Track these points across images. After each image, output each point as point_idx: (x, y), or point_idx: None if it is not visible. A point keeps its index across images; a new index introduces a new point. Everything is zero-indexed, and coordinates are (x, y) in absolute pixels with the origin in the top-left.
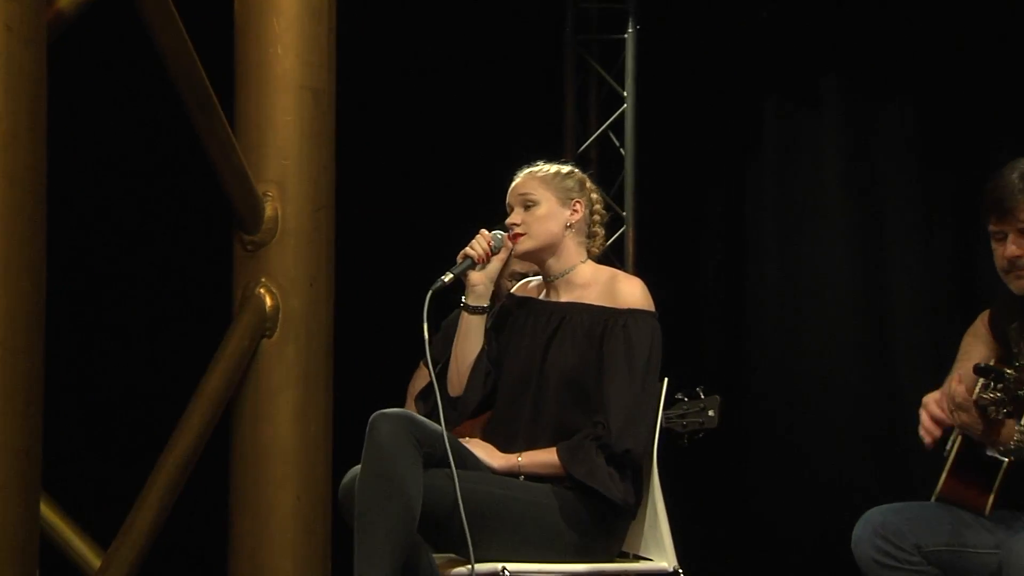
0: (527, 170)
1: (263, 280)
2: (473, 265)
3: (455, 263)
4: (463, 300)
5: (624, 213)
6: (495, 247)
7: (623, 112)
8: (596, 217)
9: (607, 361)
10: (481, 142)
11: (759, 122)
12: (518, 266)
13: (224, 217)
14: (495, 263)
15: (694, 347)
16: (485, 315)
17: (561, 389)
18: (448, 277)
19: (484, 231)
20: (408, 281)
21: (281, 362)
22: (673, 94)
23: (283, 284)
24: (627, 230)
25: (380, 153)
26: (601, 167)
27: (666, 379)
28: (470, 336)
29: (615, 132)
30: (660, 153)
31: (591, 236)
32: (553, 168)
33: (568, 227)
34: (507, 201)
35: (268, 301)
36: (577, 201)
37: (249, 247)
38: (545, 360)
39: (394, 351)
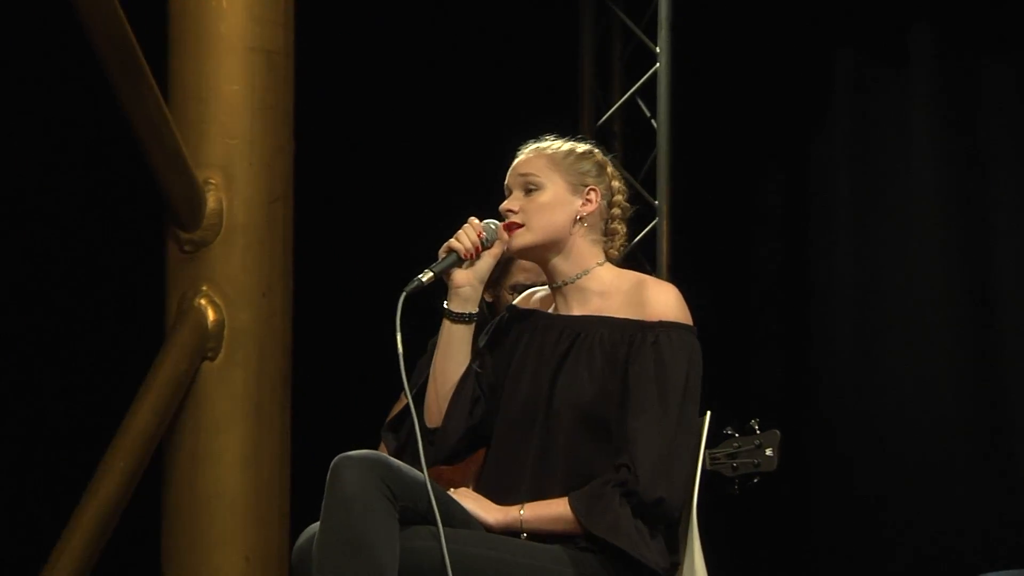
0: (533, 145)
1: (204, 289)
2: (459, 261)
3: (437, 259)
4: (444, 304)
5: (656, 202)
6: (487, 240)
7: (655, 74)
8: (616, 211)
9: (633, 388)
10: (474, 113)
11: (829, 86)
12: (522, 275)
13: (155, 211)
14: (486, 259)
15: (745, 370)
16: (471, 325)
17: (575, 424)
18: (427, 276)
19: (474, 220)
20: (385, 288)
21: (226, 391)
22: (718, 50)
23: (229, 293)
24: (660, 224)
25: (350, 130)
26: (627, 144)
27: (708, 412)
28: (452, 350)
29: (645, 99)
30: (702, 126)
31: (609, 234)
32: (566, 146)
33: (578, 220)
34: (506, 182)
35: (210, 315)
36: (592, 189)
37: (187, 248)
38: (555, 387)
39: (367, 377)
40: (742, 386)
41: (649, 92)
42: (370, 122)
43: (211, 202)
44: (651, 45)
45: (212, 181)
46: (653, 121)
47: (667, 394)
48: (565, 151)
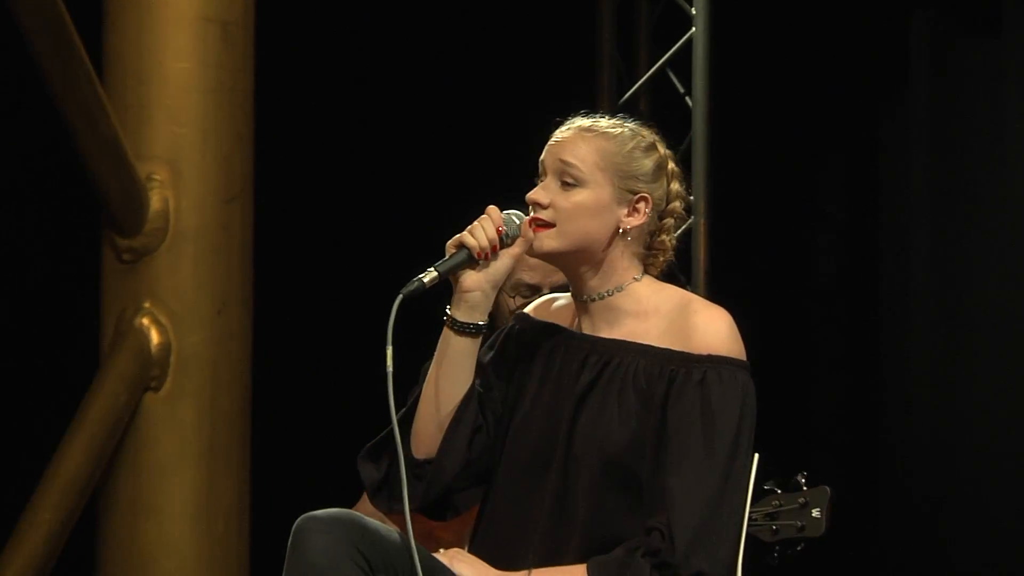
0: (585, 123)
1: (146, 305)
2: (471, 261)
3: (443, 256)
4: (447, 311)
5: (691, 197)
6: (508, 236)
7: (689, 40)
8: (668, 222)
9: (674, 435)
10: (477, 89)
11: (903, 56)
12: (527, 274)
13: (88, 212)
14: (504, 260)
15: (798, 405)
16: (478, 338)
17: (599, 474)
18: (430, 276)
19: (493, 209)
20: (370, 303)
21: (173, 427)
22: (766, 12)
23: (177, 311)
24: (696, 225)
25: (326, 111)
26: (656, 125)
27: (756, 455)
28: (453, 367)
29: (677, 72)
30: (747, 106)
31: (653, 249)
32: (625, 131)
33: (619, 233)
34: (541, 158)
35: (154, 337)
36: (643, 197)
37: (126, 256)
38: (576, 426)
39: (344, 412)
40: (794, 425)
41: (682, 63)
42: (352, 101)
43: (155, 202)
44: (685, 6)
45: (156, 176)
46: (687, 99)
47: (714, 445)
48: (620, 144)
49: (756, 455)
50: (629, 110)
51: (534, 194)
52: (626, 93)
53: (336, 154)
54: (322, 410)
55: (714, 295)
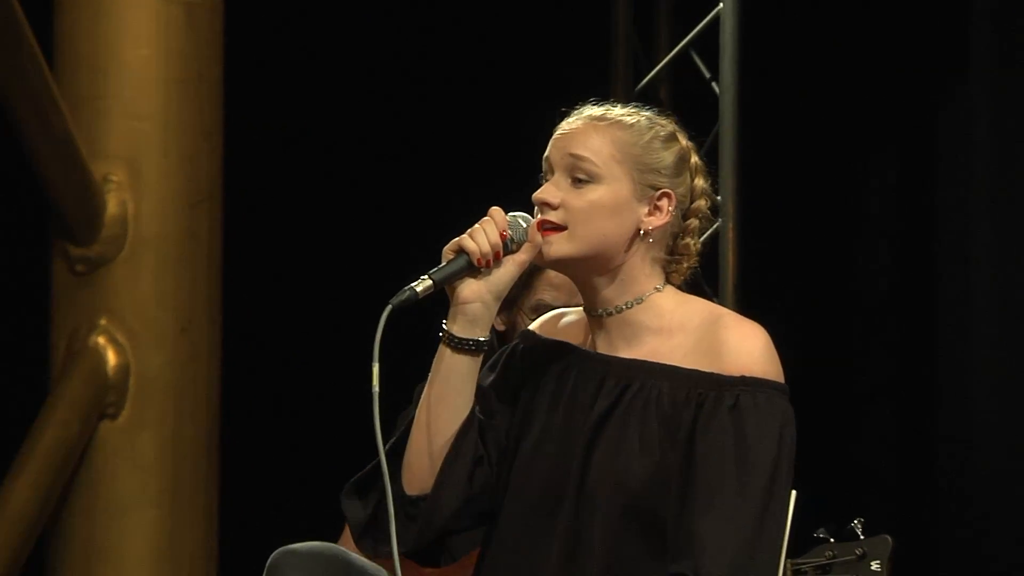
0: (591, 111)
1: (102, 323)
2: (470, 268)
3: (439, 263)
4: (443, 325)
5: (718, 199)
6: (513, 240)
7: (716, 18)
8: (692, 223)
9: (703, 469)
10: (477, 76)
11: (963, 38)
12: (549, 293)
13: (38, 218)
14: (508, 267)
15: (846, 434)
16: (478, 356)
17: (618, 513)
18: (424, 284)
19: (497, 210)
20: (356, 317)
21: (133, 460)
22: None
23: (136, 329)
24: (724, 228)
25: (306, 102)
26: (678, 116)
27: (794, 492)
28: (450, 390)
29: (703, 54)
30: (782, 91)
31: (677, 253)
32: (641, 123)
33: (641, 235)
34: (546, 154)
35: (111, 358)
36: (665, 194)
37: (79, 268)
38: (591, 459)
39: (328, 441)
40: (841, 459)
41: (709, 44)
42: (334, 88)
43: (112, 206)
44: None
45: (113, 178)
46: (714, 85)
47: (749, 480)
48: (637, 134)
49: (794, 492)
50: (647, 99)
51: (542, 193)
52: (644, 79)
53: (317, 149)
54: (301, 439)
55: (744, 310)
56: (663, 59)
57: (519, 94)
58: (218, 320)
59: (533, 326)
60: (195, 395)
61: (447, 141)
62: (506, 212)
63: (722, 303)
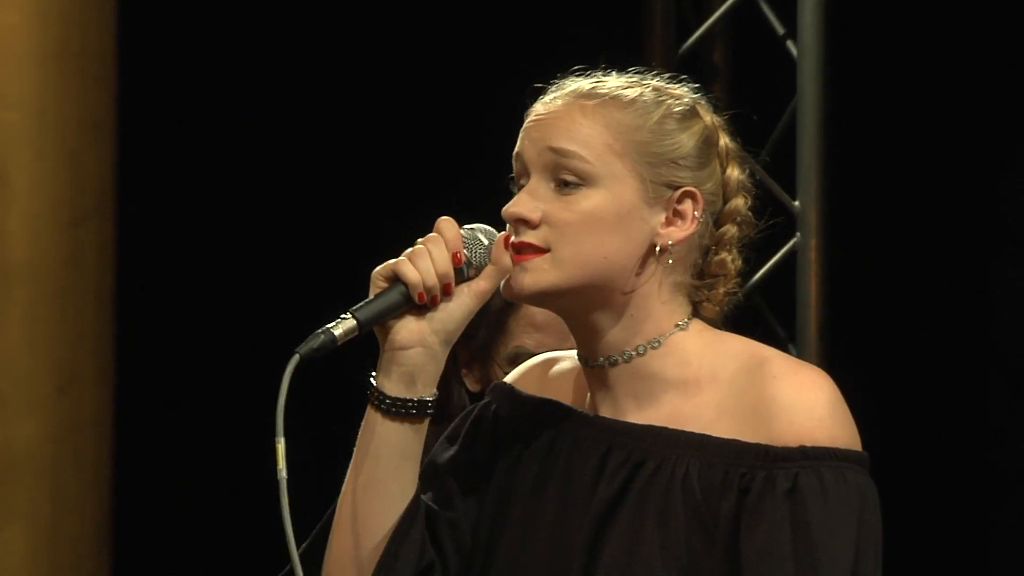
0: (576, 86)
1: None
2: (408, 302)
3: (367, 295)
4: (372, 380)
5: (795, 204)
6: (470, 264)
7: None
8: (729, 231)
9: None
10: (456, 35)
11: None
12: (531, 337)
13: None
14: (463, 301)
15: (971, 532)
16: (421, 423)
17: None
18: (344, 326)
19: (447, 222)
20: (272, 362)
21: None
22: None
23: (1, 389)
24: (804, 244)
25: (222, 86)
26: (736, 92)
27: None
28: (383, 470)
29: (774, 1)
30: (886, 53)
31: (708, 275)
32: (647, 91)
33: (656, 253)
34: (516, 150)
35: None
36: (687, 192)
37: None
38: (594, 567)
39: (246, 531)
40: (958, 560)
41: None
42: (255, 69)
43: None
44: None
45: None
46: (790, 45)
47: None
48: (642, 112)
49: None
50: (692, 66)
51: (514, 206)
52: (689, 38)
53: (238, 146)
54: (210, 530)
55: (833, 358)
56: (718, 9)
57: (496, 65)
58: (109, 373)
59: (510, 378)
60: (78, 476)
61: (390, 128)
62: (462, 225)
63: (802, 351)
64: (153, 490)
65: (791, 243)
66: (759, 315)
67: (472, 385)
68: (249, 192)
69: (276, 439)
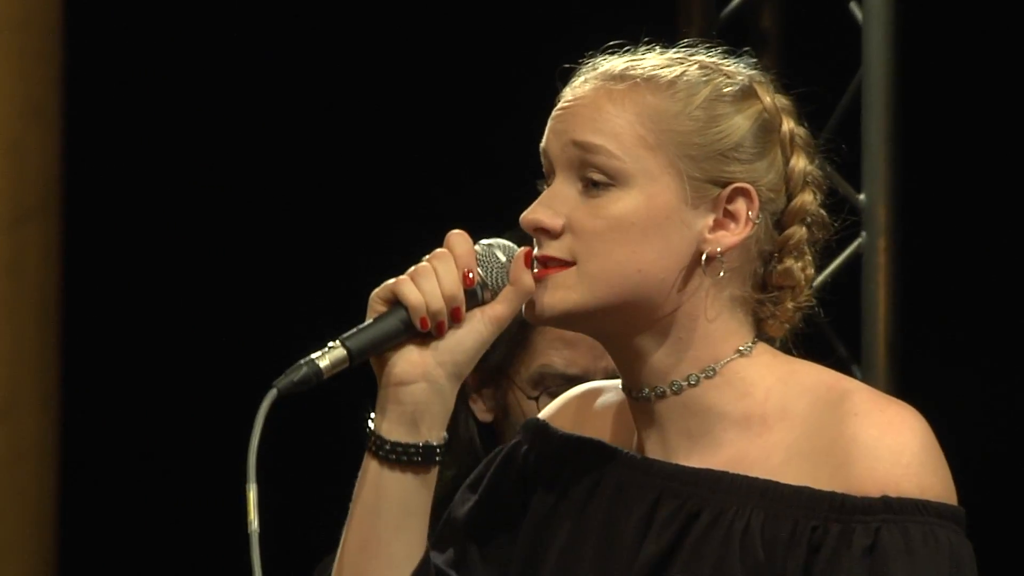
0: (608, 66)
1: None
2: (410, 330)
3: (361, 322)
4: (369, 424)
5: (861, 196)
6: (485, 286)
7: None
8: (794, 233)
9: None
10: (462, 19)
11: None
12: (560, 355)
13: None
14: (476, 327)
15: None
16: (429, 472)
17: None
18: (330, 356)
19: (459, 236)
20: (248, 396)
21: None
22: None
23: None
24: (872, 244)
25: (191, 66)
26: (788, 68)
27: None
28: (383, 527)
29: None
30: (969, 18)
31: (772, 288)
32: (692, 70)
33: (704, 264)
34: (542, 146)
35: None
36: (741, 190)
37: None
38: None
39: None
40: None
41: None
42: (227, 48)
43: None
44: None
45: None
46: (855, 8)
47: None
48: (685, 96)
49: None
50: (737, 33)
51: (534, 212)
52: (731, 2)
53: (197, 142)
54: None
55: (906, 378)
56: None
57: (514, 34)
58: (53, 400)
59: (545, 414)
60: (21, 513)
61: (396, 115)
62: (477, 240)
63: (867, 374)
64: (103, 530)
65: (855, 244)
66: (817, 331)
67: (482, 415)
68: (217, 187)
69: (247, 485)
